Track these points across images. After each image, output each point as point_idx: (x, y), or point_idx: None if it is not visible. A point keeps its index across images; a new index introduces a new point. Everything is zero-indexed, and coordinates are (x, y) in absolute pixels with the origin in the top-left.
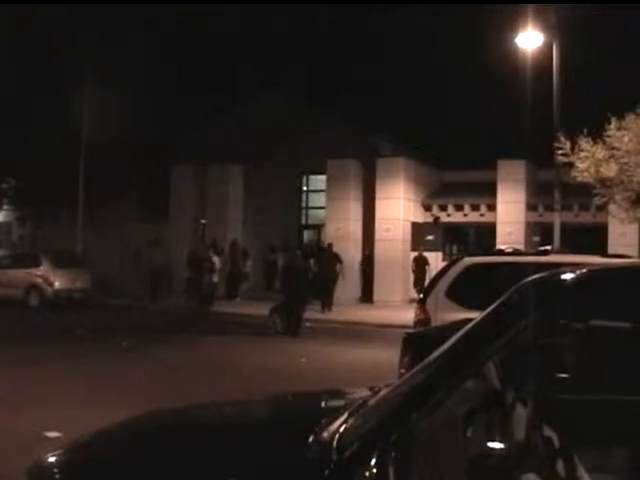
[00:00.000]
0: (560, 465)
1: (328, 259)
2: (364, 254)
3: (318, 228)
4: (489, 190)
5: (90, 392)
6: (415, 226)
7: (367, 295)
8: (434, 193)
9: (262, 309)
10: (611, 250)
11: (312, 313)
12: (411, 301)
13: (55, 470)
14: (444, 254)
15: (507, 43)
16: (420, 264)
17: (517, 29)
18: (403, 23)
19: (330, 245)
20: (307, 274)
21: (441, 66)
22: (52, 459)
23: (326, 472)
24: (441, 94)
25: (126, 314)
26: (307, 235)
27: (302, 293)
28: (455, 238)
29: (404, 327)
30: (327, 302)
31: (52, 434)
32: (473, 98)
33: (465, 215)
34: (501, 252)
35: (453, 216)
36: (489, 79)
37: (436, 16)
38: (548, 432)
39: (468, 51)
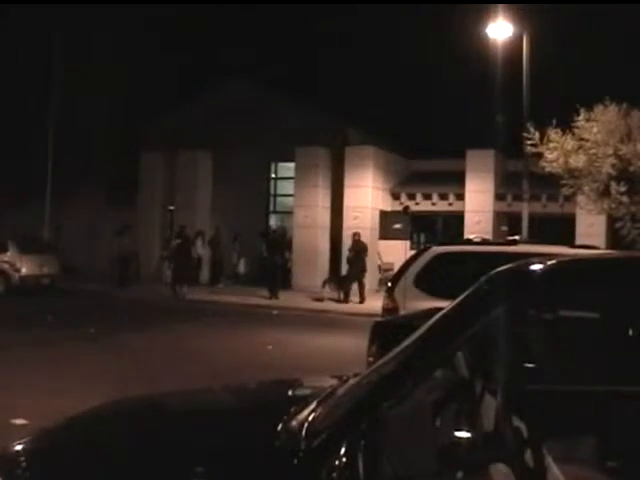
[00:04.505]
0: (528, 455)
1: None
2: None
3: (281, 216)
4: (458, 179)
5: (58, 379)
6: (383, 214)
7: None
8: (403, 182)
9: (235, 297)
10: (579, 241)
11: (278, 300)
12: (378, 289)
13: (22, 458)
14: (412, 243)
15: (477, 33)
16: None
17: (487, 20)
18: (373, 13)
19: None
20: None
21: (411, 55)
22: (19, 447)
23: (295, 461)
24: (411, 83)
25: (94, 300)
26: (275, 221)
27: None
28: (423, 227)
29: (372, 315)
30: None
31: (19, 421)
32: (443, 88)
33: (433, 204)
34: (469, 241)
35: (421, 205)
36: (459, 69)
37: (407, 6)
38: (517, 422)
39: (438, 41)
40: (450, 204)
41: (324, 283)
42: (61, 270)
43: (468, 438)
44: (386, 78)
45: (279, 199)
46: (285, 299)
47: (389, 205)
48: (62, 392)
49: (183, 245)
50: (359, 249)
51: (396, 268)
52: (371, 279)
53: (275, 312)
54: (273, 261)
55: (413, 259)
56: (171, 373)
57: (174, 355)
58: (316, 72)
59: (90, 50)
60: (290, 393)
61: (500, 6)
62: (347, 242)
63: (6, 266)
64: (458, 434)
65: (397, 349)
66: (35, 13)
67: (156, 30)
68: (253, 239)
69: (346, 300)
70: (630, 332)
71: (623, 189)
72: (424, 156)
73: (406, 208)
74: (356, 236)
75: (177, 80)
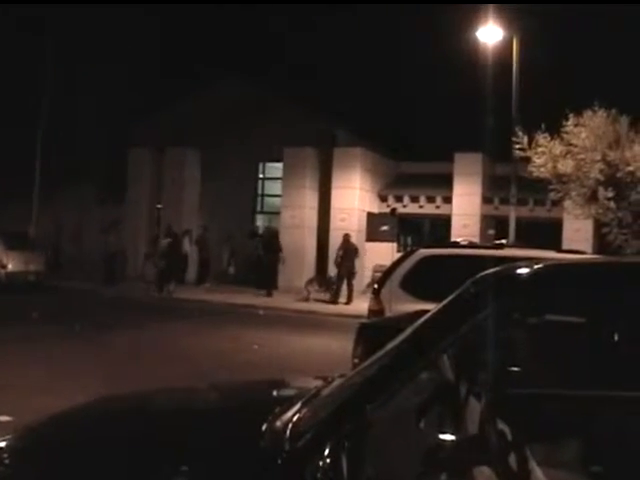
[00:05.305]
0: (512, 458)
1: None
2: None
3: (269, 216)
4: (445, 182)
5: (43, 376)
6: (370, 216)
7: None
8: (390, 184)
9: (222, 296)
10: (565, 245)
11: (266, 300)
12: (364, 291)
13: (5, 455)
14: (399, 245)
15: (467, 37)
16: None
17: (478, 23)
18: (364, 15)
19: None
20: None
21: (401, 58)
22: (2, 444)
23: (279, 461)
24: (400, 86)
25: (81, 298)
26: (262, 222)
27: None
28: (410, 229)
29: (358, 317)
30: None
31: (3, 418)
32: (432, 90)
33: (421, 207)
34: (456, 244)
35: (409, 207)
36: (448, 72)
37: (397, 8)
38: (501, 425)
39: (427, 44)
40: (437, 207)
41: (307, 283)
42: (48, 267)
43: (452, 441)
44: (375, 80)
45: (267, 199)
46: (272, 299)
47: (376, 207)
48: (47, 389)
49: (173, 243)
50: (348, 249)
51: None
52: (358, 280)
53: (261, 312)
54: (267, 260)
55: (400, 261)
56: (156, 371)
57: (159, 353)
58: (306, 73)
59: (81, 48)
60: (275, 393)
61: (490, 10)
62: (334, 243)
63: None
64: (442, 437)
65: (383, 351)
66: (26, 11)
67: (148, 28)
68: (241, 239)
69: (335, 301)
70: (615, 337)
71: (610, 195)
72: (412, 158)
73: (393, 210)
74: (346, 237)
75: (168, 79)
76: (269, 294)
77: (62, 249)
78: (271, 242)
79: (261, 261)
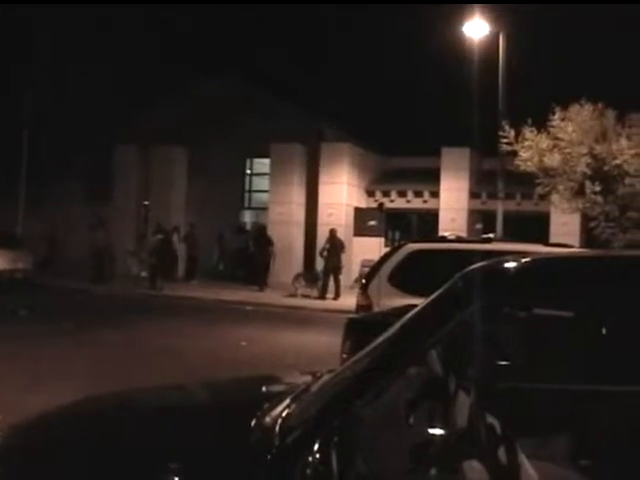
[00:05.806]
0: (502, 452)
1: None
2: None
3: (256, 212)
4: (433, 177)
5: (31, 375)
6: (358, 211)
7: None
8: (378, 179)
9: (211, 293)
10: (552, 239)
11: (255, 296)
12: (352, 286)
13: None
14: (386, 240)
15: (454, 31)
16: None
17: (464, 18)
18: (350, 12)
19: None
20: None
21: (388, 53)
22: None
23: (268, 457)
24: (387, 81)
25: (69, 296)
26: (249, 218)
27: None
28: (398, 224)
29: (346, 312)
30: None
31: None
32: (419, 85)
33: (408, 201)
34: (444, 239)
35: (396, 202)
36: (435, 67)
37: (383, 5)
38: (490, 420)
39: (414, 40)
40: (425, 201)
41: (294, 279)
42: (41, 264)
43: (442, 436)
44: (362, 76)
45: (254, 195)
46: (260, 295)
47: (364, 202)
48: (36, 388)
49: (164, 240)
50: (335, 244)
51: None
52: (346, 276)
53: (248, 308)
54: (260, 256)
55: (387, 256)
56: (145, 369)
57: (148, 351)
58: (293, 69)
59: (68, 46)
60: (264, 389)
61: (477, 5)
62: (322, 239)
63: None
64: (432, 432)
65: (371, 346)
66: (14, 11)
67: (136, 27)
68: (229, 235)
69: (323, 296)
70: (603, 330)
71: (597, 188)
72: (399, 153)
73: (380, 205)
74: (332, 231)
75: (155, 77)
76: (261, 289)
77: (53, 246)
78: (261, 237)
79: (252, 257)
